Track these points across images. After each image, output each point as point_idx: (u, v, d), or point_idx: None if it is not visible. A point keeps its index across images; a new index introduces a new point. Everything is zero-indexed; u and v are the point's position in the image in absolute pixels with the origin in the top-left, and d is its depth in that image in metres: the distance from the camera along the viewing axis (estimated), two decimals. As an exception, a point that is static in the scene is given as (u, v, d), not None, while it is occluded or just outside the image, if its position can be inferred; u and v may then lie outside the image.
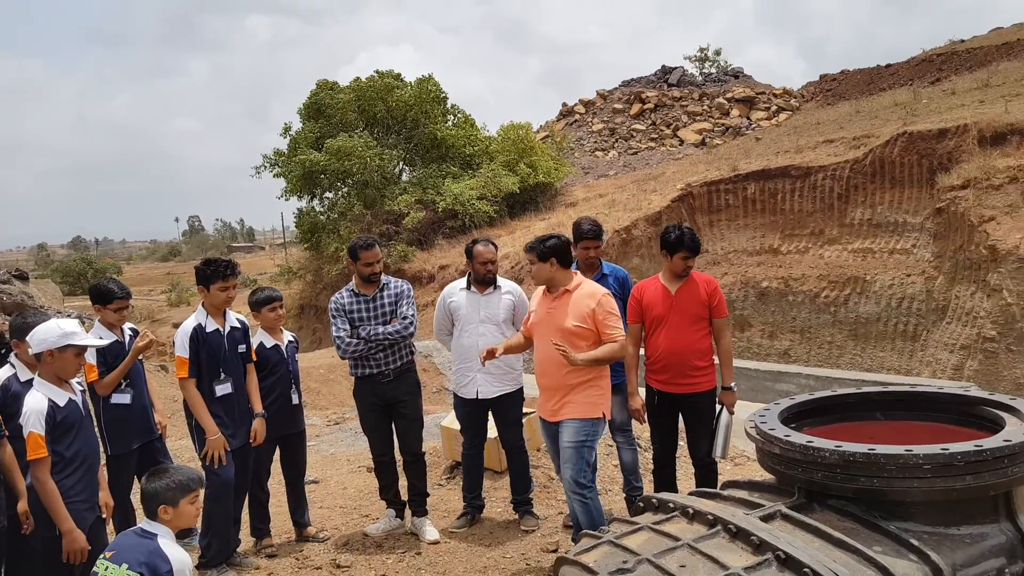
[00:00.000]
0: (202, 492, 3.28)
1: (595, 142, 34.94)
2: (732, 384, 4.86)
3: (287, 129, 26.98)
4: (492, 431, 5.57)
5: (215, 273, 4.73)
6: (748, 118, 34.09)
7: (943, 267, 16.88)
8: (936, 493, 2.72)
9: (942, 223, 17.05)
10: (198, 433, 4.70)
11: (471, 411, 5.33)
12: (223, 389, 4.77)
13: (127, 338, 4.85)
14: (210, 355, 4.71)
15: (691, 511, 2.93)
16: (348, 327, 5.11)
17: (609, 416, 4.41)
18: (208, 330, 4.74)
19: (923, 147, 18.18)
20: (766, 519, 2.82)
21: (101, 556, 2.98)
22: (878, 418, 3.59)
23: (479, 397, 5.23)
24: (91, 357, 4.57)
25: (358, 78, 26.42)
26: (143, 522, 3.13)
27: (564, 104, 39.74)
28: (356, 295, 5.19)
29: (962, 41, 32.98)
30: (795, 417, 3.50)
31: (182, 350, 4.63)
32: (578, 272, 4.61)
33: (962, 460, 2.66)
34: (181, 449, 7.34)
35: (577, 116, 37.85)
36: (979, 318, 15.41)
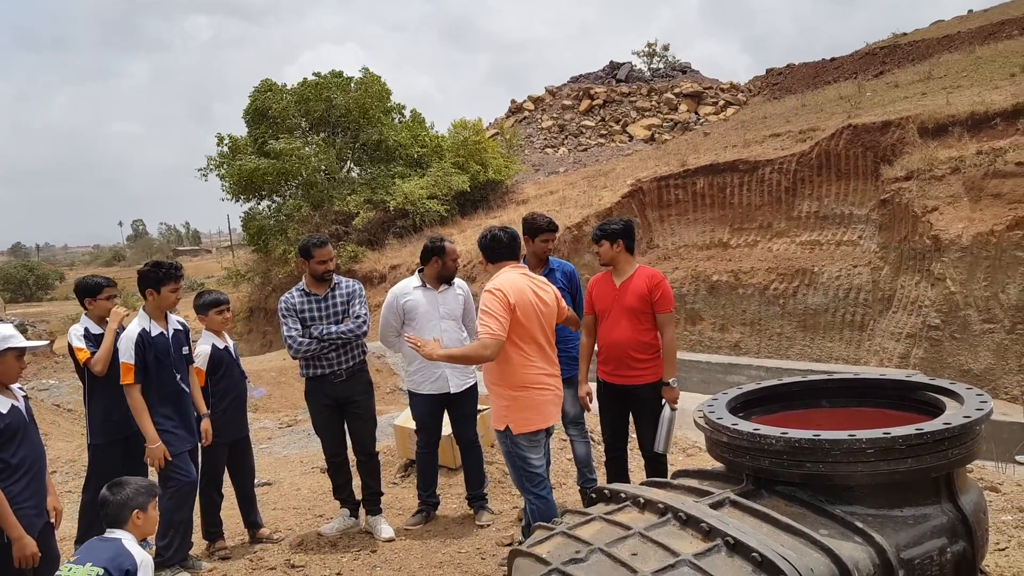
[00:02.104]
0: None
1: (545, 139, 35.04)
2: (672, 380, 4.78)
3: (221, 139, 26.55)
4: (445, 428, 5.56)
5: (167, 275, 4.71)
6: (696, 113, 34.50)
7: (888, 257, 17.25)
8: (879, 476, 2.78)
9: (887, 214, 17.43)
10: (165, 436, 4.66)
11: (432, 408, 5.30)
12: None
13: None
14: (159, 358, 4.68)
15: (642, 500, 2.95)
16: (299, 327, 5.06)
17: (516, 429, 4.17)
18: (153, 334, 4.69)
19: (867, 139, 18.56)
20: (715, 506, 2.85)
21: (66, 561, 3.08)
22: (823, 405, 3.66)
23: (451, 391, 5.21)
24: (79, 342, 4.82)
25: (304, 79, 26.04)
26: (106, 531, 3.24)
27: (513, 101, 39.79)
28: (307, 294, 5.12)
29: (904, 34, 33.85)
30: (743, 406, 3.55)
31: (127, 356, 4.58)
32: (507, 268, 4.29)
33: (904, 444, 2.72)
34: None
35: (527, 113, 37.93)
36: (924, 307, 15.79)
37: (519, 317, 4.06)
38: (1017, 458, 10.10)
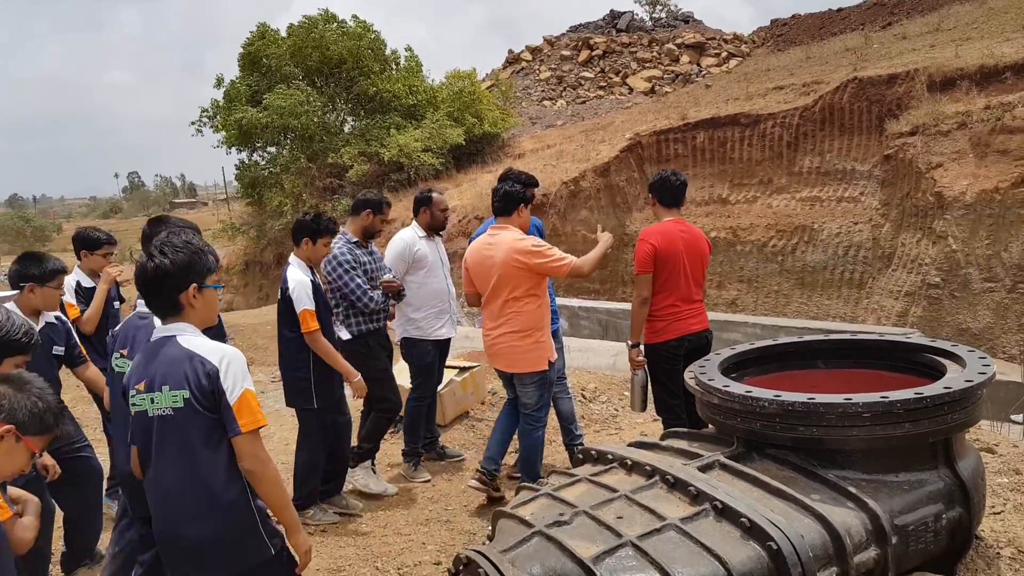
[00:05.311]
0: None
1: (542, 91, 34.50)
2: (628, 341, 4.82)
3: (220, 81, 25.97)
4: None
5: (325, 228, 4.64)
6: (698, 64, 33.95)
7: (890, 215, 17.07)
8: (875, 441, 2.69)
9: (890, 170, 17.20)
10: (317, 387, 4.59)
11: (438, 354, 5.46)
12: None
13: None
14: (324, 304, 4.66)
15: (629, 462, 2.87)
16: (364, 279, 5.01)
17: None
18: (316, 282, 4.68)
19: (873, 93, 18.23)
20: (704, 469, 2.77)
21: (132, 390, 2.63)
22: (819, 366, 3.57)
23: (453, 335, 5.53)
24: (71, 296, 4.80)
25: (292, 24, 25.41)
26: (153, 323, 2.79)
27: (510, 51, 39.11)
28: (360, 246, 5.12)
29: (914, -16, 33.16)
30: (736, 367, 3.46)
31: (308, 302, 4.49)
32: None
33: (902, 408, 2.63)
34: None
35: (524, 64, 37.26)
36: (924, 265, 15.66)
37: None
38: (1012, 417, 10.07)
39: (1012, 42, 18.32)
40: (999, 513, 3.71)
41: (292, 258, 4.66)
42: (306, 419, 4.68)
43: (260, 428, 2.53)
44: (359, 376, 4.63)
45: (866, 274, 17.36)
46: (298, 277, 4.54)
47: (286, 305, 4.54)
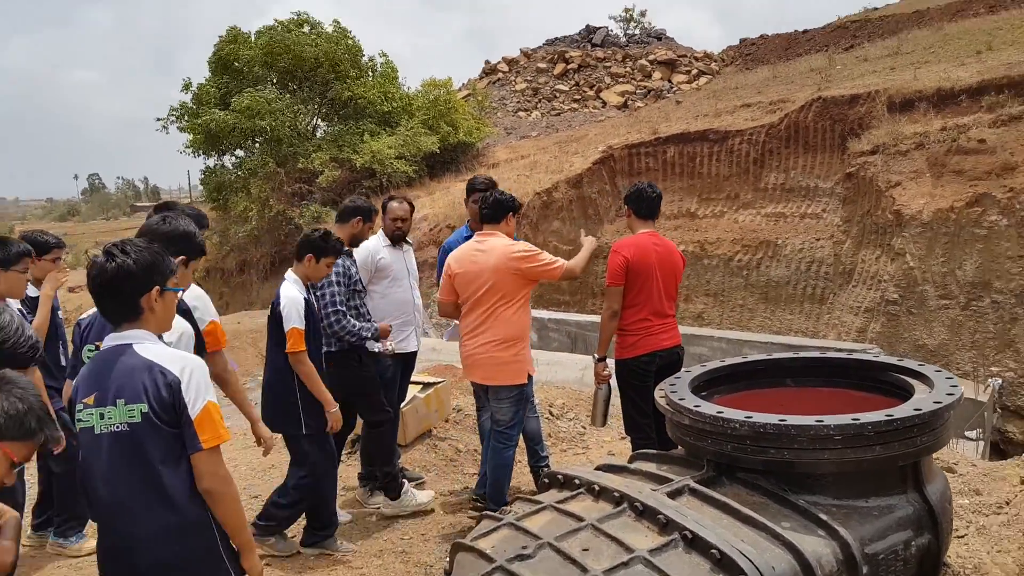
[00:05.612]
0: None
1: (518, 102, 34.54)
2: (595, 355, 4.74)
3: (188, 85, 25.53)
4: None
5: (332, 248, 4.40)
6: (669, 81, 34.22)
7: (851, 231, 17.30)
8: (846, 464, 2.65)
9: (851, 188, 17.45)
10: (306, 410, 4.30)
11: (403, 368, 5.26)
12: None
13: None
14: (315, 324, 4.38)
15: (597, 488, 2.80)
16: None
17: None
18: (310, 300, 4.41)
19: (836, 112, 18.51)
20: (673, 495, 2.70)
21: (81, 404, 2.42)
22: (788, 385, 3.53)
23: (417, 348, 5.33)
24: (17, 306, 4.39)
25: (267, 27, 25.07)
26: (106, 332, 2.53)
27: (487, 62, 39.16)
28: (350, 256, 4.89)
29: (875, 9, 33.92)
30: (706, 385, 3.41)
31: (298, 321, 4.21)
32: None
33: (872, 430, 2.59)
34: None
35: (500, 75, 37.31)
36: (883, 281, 15.88)
37: None
38: (967, 434, 10.20)
39: (967, 66, 18.72)
40: (963, 537, 3.69)
41: (289, 274, 4.42)
42: (294, 446, 4.40)
43: (221, 444, 2.40)
44: (336, 407, 4.35)
45: (827, 290, 17.56)
46: (291, 294, 4.29)
47: (276, 322, 4.30)
